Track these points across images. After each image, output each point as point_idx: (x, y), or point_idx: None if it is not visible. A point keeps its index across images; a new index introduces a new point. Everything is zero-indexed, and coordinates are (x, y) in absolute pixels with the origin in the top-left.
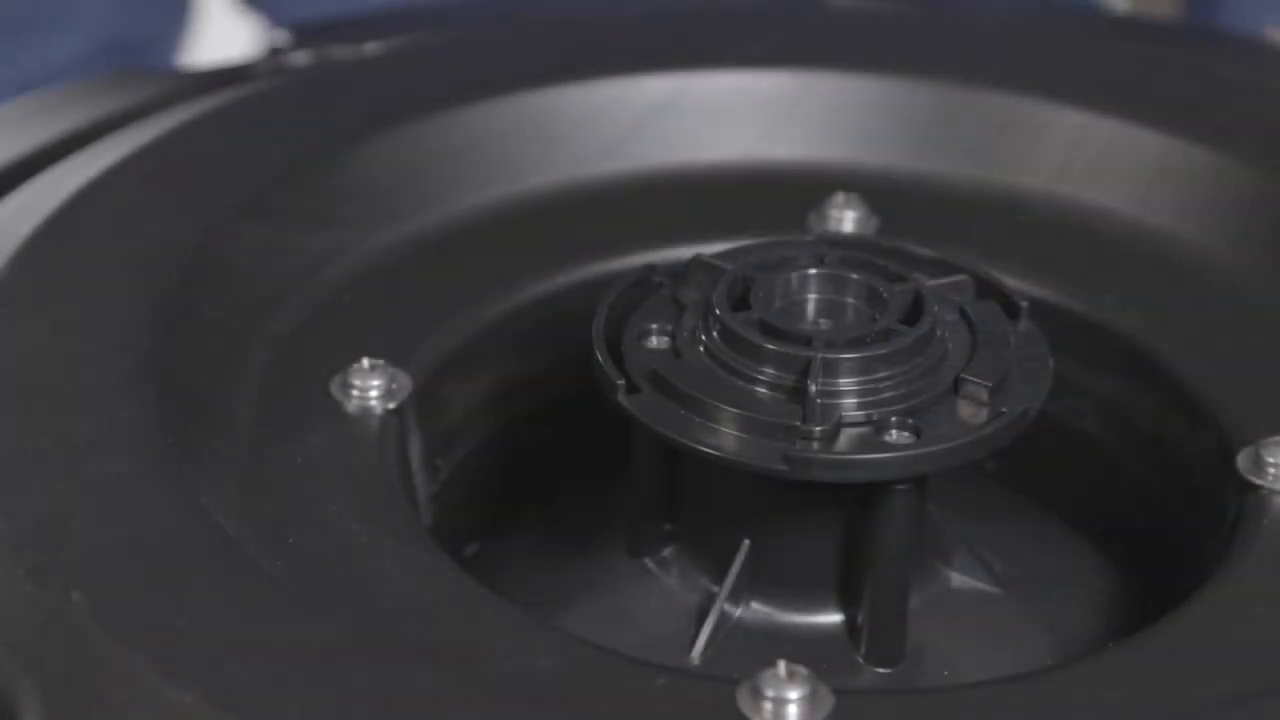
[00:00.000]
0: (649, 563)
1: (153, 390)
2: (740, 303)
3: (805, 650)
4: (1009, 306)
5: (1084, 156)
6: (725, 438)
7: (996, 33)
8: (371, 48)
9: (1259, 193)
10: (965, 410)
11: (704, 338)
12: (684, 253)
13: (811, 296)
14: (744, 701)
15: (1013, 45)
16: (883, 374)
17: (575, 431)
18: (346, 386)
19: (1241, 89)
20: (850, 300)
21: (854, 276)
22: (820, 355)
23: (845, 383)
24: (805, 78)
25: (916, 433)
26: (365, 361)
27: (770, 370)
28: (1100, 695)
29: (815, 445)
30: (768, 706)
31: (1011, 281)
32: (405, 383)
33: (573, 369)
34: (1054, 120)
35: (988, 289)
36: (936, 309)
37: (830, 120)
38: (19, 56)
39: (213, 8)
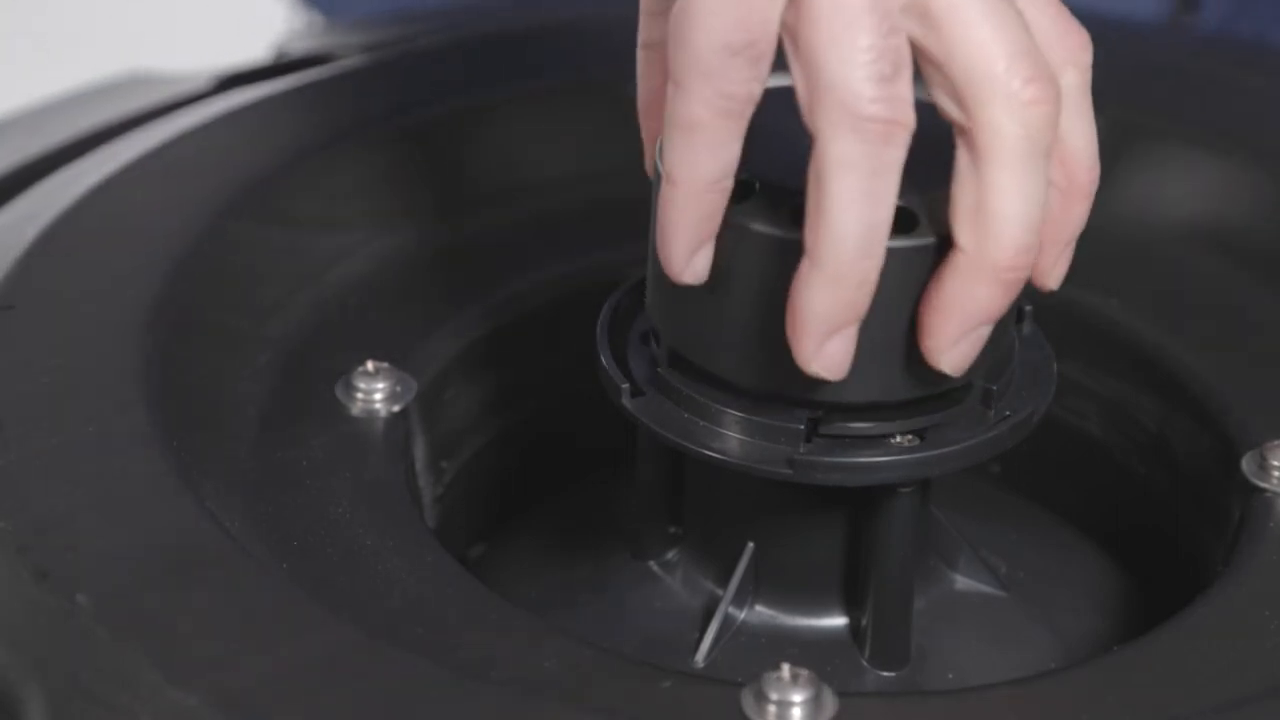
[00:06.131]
0: (653, 565)
1: (158, 392)
2: None
3: (809, 653)
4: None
5: None
6: (729, 441)
7: None
8: (378, 49)
9: (1265, 193)
10: (970, 413)
11: None
12: None
13: None
14: (748, 704)
15: None
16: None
17: (579, 434)
18: (351, 389)
19: (1244, 90)
20: None
21: None
22: None
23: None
24: None
25: (921, 436)
26: (370, 364)
27: None
28: (1105, 698)
29: (819, 449)
30: (772, 709)
31: None
32: (410, 385)
33: (577, 371)
34: None
35: None
36: None
37: None
38: None
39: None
